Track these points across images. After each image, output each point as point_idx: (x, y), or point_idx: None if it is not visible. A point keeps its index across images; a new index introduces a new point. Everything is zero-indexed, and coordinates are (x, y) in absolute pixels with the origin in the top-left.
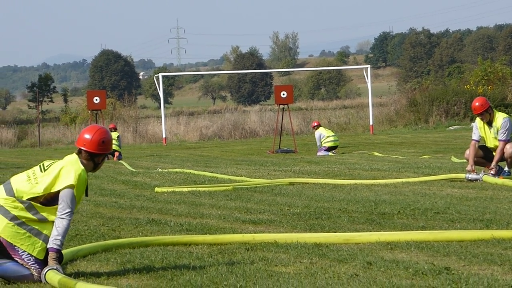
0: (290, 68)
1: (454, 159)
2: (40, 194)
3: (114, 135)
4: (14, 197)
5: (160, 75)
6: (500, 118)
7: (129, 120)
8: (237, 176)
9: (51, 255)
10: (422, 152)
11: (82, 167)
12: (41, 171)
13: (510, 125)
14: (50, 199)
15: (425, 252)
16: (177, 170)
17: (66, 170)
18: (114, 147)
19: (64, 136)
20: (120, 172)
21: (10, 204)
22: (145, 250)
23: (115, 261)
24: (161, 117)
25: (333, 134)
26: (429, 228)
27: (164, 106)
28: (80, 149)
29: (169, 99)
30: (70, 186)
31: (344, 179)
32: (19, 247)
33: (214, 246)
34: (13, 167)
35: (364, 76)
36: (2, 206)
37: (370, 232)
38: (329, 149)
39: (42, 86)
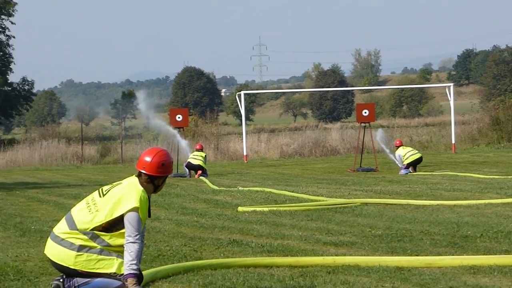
0: (372, 85)
1: None
2: (103, 222)
3: (201, 154)
4: (77, 230)
5: (242, 92)
6: None
7: (210, 137)
8: (317, 195)
9: (130, 281)
10: (505, 172)
11: (142, 188)
12: (100, 197)
13: None
14: (113, 223)
15: (509, 277)
16: (257, 188)
17: (127, 194)
18: (201, 163)
19: None
20: (201, 190)
21: (74, 236)
22: (226, 272)
23: (197, 283)
24: (242, 134)
25: (411, 149)
26: None
27: (246, 123)
28: (140, 172)
29: (250, 116)
30: (134, 209)
31: (426, 199)
32: (98, 272)
33: (295, 268)
34: (96, 184)
35: (447, 94)
36: (65, 240)
37: (453, 256)
38: (410, 164)
39: (125, 102)
